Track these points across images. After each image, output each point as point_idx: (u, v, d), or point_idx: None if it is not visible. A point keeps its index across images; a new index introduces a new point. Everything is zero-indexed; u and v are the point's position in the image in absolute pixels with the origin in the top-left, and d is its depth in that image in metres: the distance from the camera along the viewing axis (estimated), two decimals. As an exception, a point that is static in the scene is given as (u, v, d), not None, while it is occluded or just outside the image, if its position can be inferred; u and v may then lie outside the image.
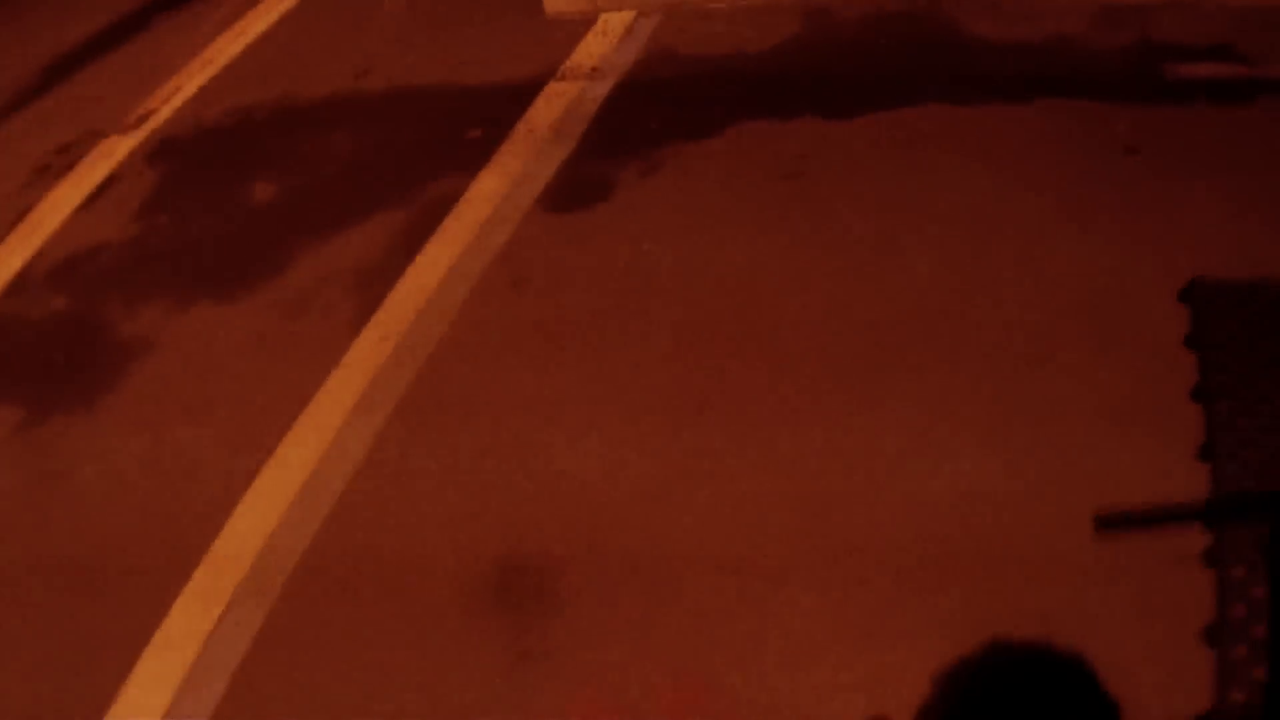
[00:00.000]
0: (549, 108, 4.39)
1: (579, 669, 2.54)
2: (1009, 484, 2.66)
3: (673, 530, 2.80)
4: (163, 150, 5.53)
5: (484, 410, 3.28)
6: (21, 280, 5.11)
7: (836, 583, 2.56)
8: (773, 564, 2.63)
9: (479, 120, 4.51)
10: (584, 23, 4.89)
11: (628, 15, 4.73)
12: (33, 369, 4.54)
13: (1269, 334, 2.85)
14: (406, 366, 3.47)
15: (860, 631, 2.45)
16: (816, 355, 3.13)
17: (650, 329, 3.38)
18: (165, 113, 5.87)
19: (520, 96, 4.54)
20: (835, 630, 2.48)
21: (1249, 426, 2.61)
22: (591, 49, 4.67)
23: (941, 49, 4.16)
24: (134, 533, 3.50)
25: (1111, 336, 3.01)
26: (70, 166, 5.87)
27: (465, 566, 2.87)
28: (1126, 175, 3.46)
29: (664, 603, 2.61)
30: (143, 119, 5.87)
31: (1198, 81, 3.84)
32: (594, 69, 4.48)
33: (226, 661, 2.96)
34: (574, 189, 3.97)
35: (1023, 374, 2.93)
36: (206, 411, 3.78)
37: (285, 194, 4.72)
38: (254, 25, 6.35)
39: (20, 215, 5.63)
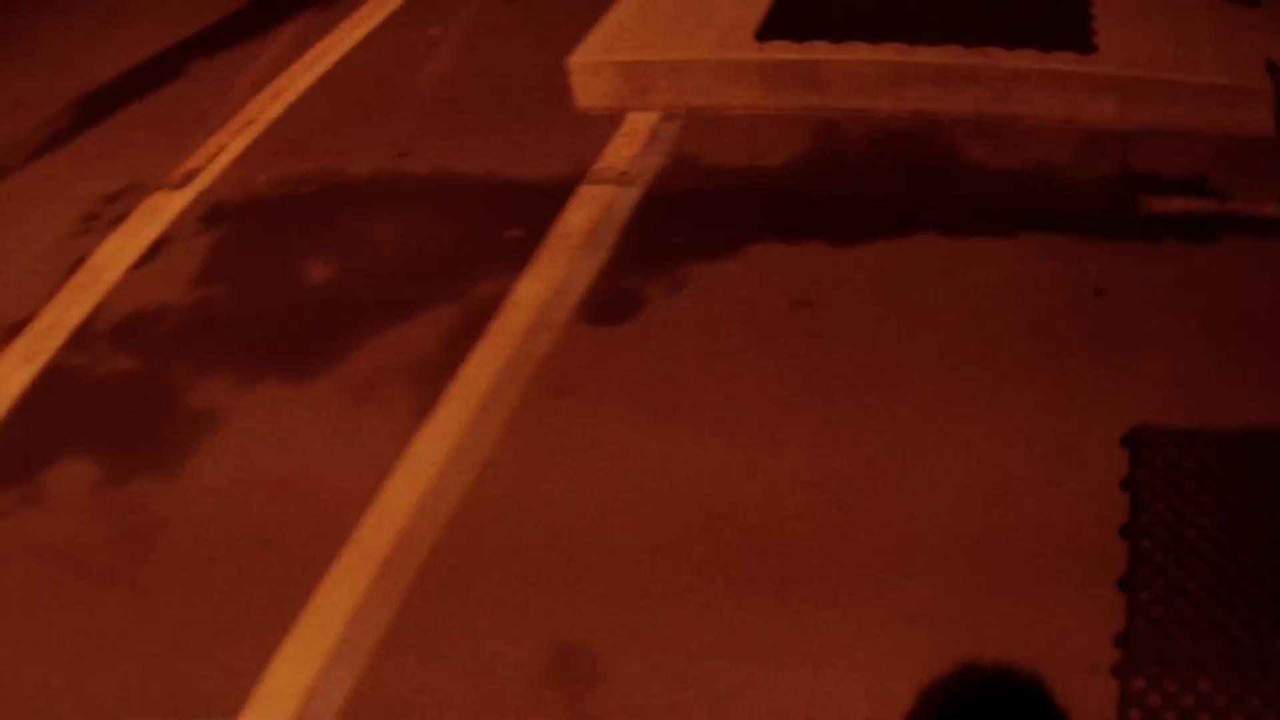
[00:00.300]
0: (582, 212, 4.89)
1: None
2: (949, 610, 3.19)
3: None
4: (213, 215, 6.01)
5: (538, 513, 3.79)
6: (83, 334, 5.58)
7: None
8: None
9: (517, 219, 5.00)
10: (612, 120, 5.38)
11: (653, 116, 5.24)
12: (105, 429, 5.02)
13: (1195, 480, 3.28)
14: (465, 468, 3.98)
15: None
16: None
17: (674, 450, 3.86)
18: (211, 172, 6.36)
19: (555, 197, 5.02)
20: None
21: (1164, 561, 3.09)
22: (620, 151, 5.17)
23: (937, 173, 4.63)
24: (223, 597, 4.02)
25: (1061, 472, 3.43)
26: (120, 219, 6.32)
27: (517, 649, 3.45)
28: (1093, 317, 3.91)
29: None
30: (189, 177, 6.33)
31: (1170, 217, 4.29)
32: (622, 173, 4.98)
33: None
34: (609, 302, 4.43)
35: (982, 504, 3.40)
36: (282, 487, 4.29)
37: (338, 277, 5.21)
38: (292, 85, 6.82)
39: (74, 265, 6.07)
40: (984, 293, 4.08)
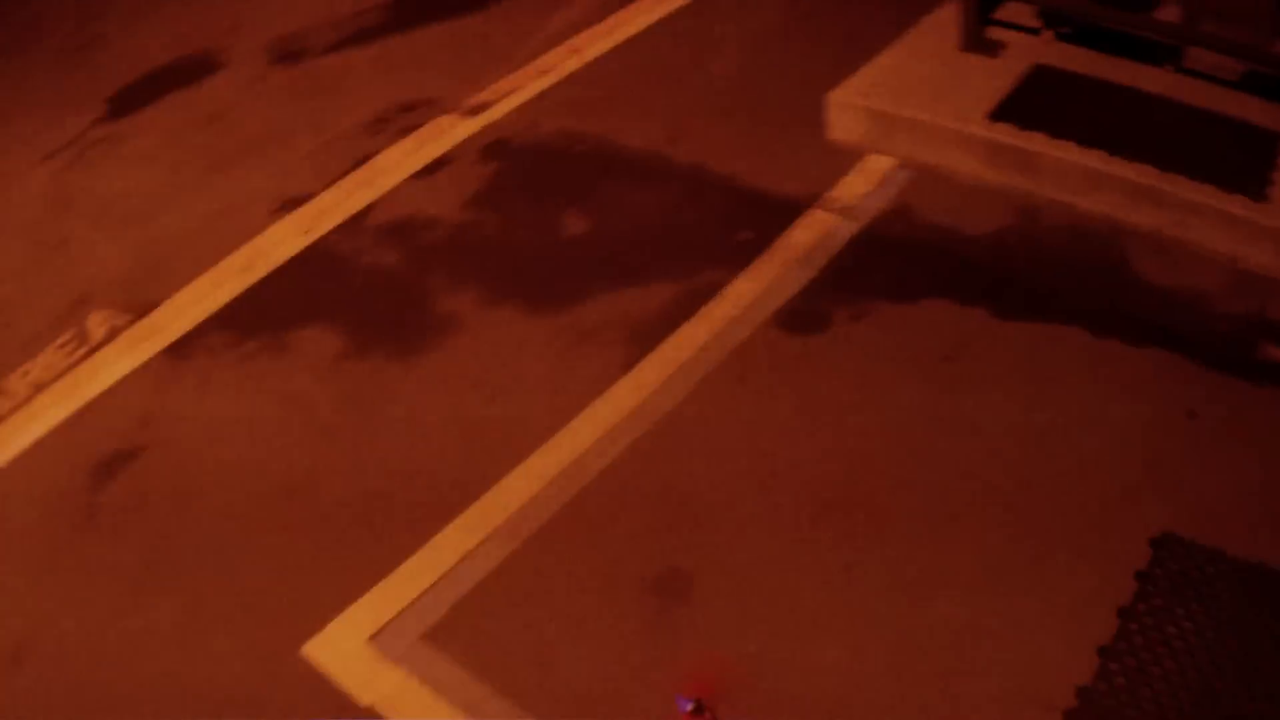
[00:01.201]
0: (806, 233, 5.80)
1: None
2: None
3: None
4: (495, 148, 7.04)
5: (686, 466, 4.84)
6: (356, 223, 6.72)
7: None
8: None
9: (751, 224, 5.95)
10: (853, 157, 6.26)
11: (888, 163, 6.12)
12: (357, 308, 6.14)
13: (1195, 591, 3.92)
14: (642, 421, 5.04)
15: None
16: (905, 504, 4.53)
17: (809, 442, 4.81)
18: (501, 109, 7.40)
19: (787, 213, 5.94)
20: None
21: (1141, 645, 3.79)
22: (852, 187, 6.05)
23: (1106, 275, 5.28)
24: (421, 470, 5.16)
25: (1092, 548, 4.15)
26: (409, 129, 7.45)
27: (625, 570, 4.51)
28: (1175, 432, 4.54)
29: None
30: (479, 109, 7.41)
31: (1280, 367, 4.78)
32: (849, 207, 5.87)
33: (467, 579, 4.57)
34: (802, 314, 5.35)
35: (1024, 553, 4.20)
36: (498, 394, 5.39)
37: (589, 232, 6.22)
38: (589, 47, 7.83)
39: (361, 159, 7.26)
40: (1096, 387, 4.79)
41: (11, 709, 4.69)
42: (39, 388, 6.27)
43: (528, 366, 5.55)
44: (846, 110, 6.32)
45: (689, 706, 3.94)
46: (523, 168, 6.96)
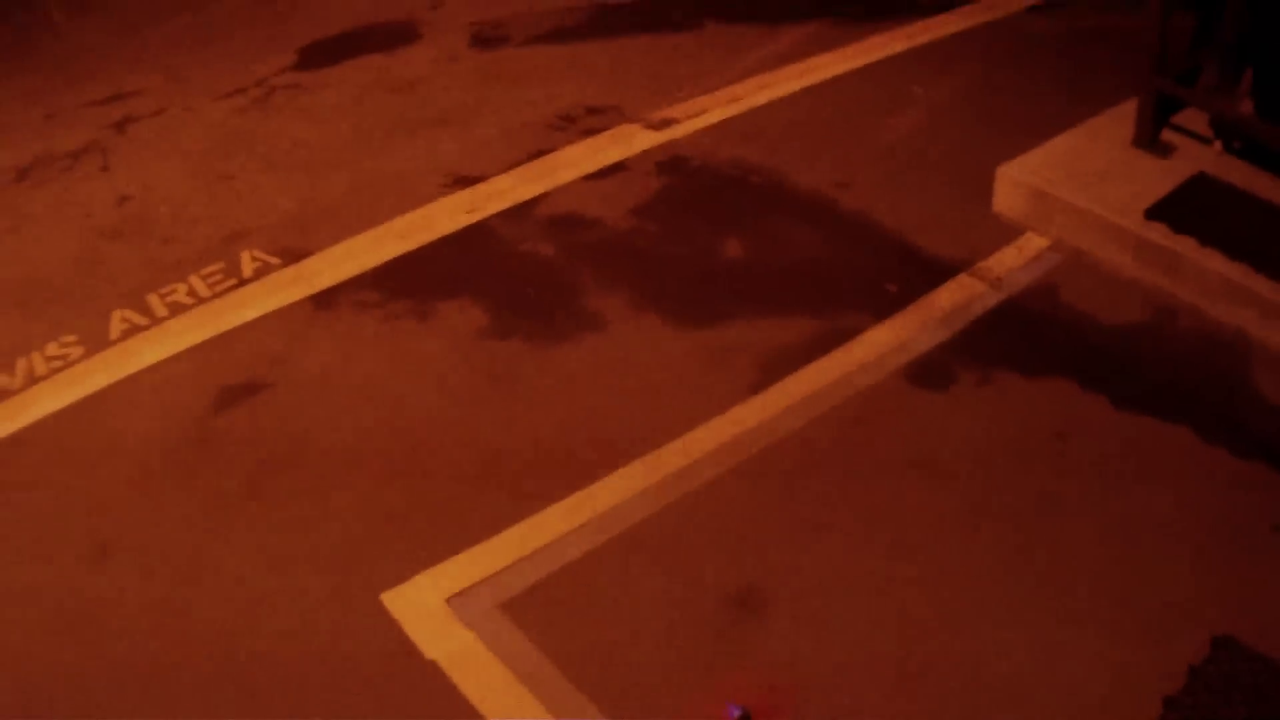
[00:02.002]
0: (950, 295, 6.27)
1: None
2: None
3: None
4: (671, 164, 7.64)
5: (787, 484, 5.33)
6: (523, 210, 7.39)
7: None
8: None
9: (899, 278, 6.44)
10: (1012, 230, 6.77)
11: (1043, 242, 6.63)
12: (506, 291, 6.73)
13: (1241, 694, 4.22)
14: (762, 439, 5.54)
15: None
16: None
17: (919, 507, 5.18)
18: (684, 129, 8.02)
19: (937, 274, 6.42)
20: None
21: None
22: (1005, 259, 6.53)
23: (1226, 386, 5.67)
24: (534, 450, 5.71)
25: (1157, 637, 4.47)
26: (592, 131, 8.13)
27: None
28: (1259, 544, 4.85)
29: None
30: (664, 124, 8.05)
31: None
32: (997, 279, 6.35)
33: (555, 560, 5.07)
34: (930, 371, 5.79)
35: (1093, 623, 4.56)
36: (623, 394, 5.94)
37: (745, 259, 6.77)
38: (779, 84, 8.45)
39: (539, 152, 7.96)
40: (1193, 486, 5.15)
41: (86, 602, 5.28)
42: (179, 310, 7.03)
43: (658, 375, 6.10)
44: (1013, 185, 6.87)
45: (737, 713, 4.40)
46: (693, 187, 7.56)
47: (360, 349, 6.55)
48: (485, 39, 10.11)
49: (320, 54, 10.50)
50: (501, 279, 6.93)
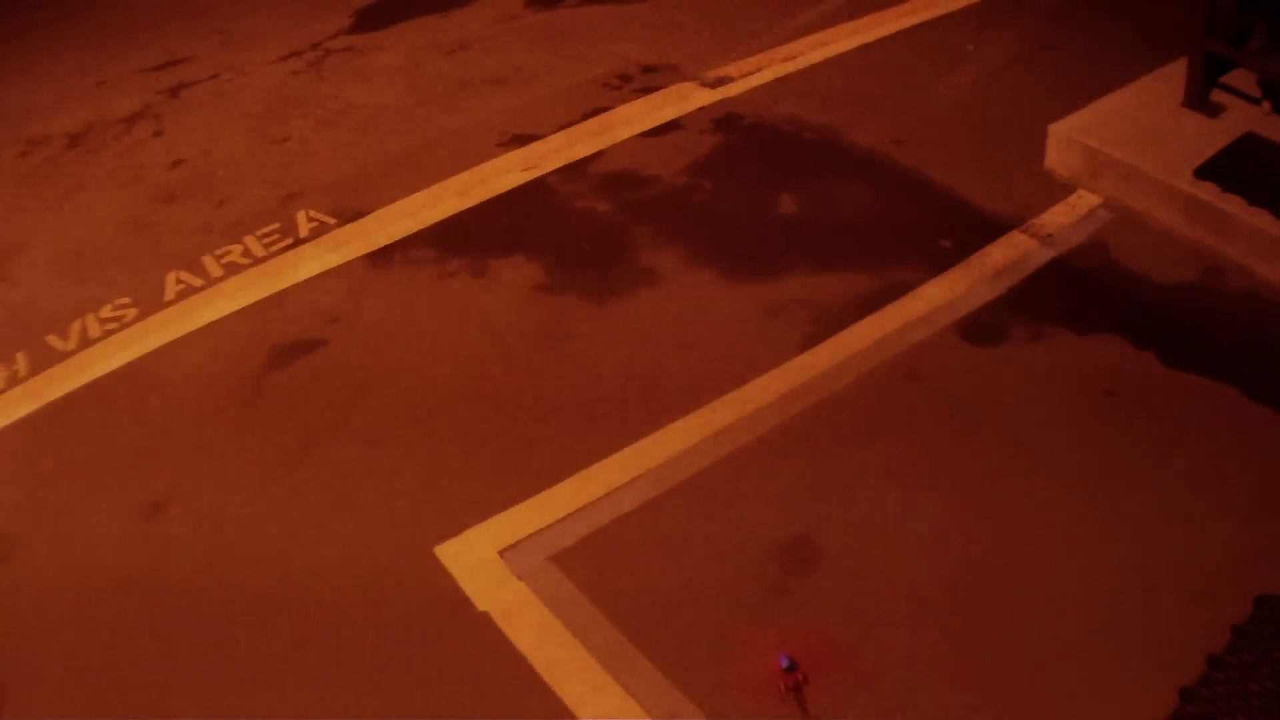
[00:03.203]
0: (1003, 252, 6.44)
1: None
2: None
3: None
4: (726, 121, 7.83)
5: (852, 444, 5.44)
6: (579, 167, 7.59)
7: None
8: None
9: (952, 234, 6.63)
10: (1064, 188, 6.93)
11: (1094, 199, 6.80)
12: (562, 247, 6.96)
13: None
14: (814, 393, 5.73)
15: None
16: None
17: (973, 456, 5.30)
18: (739, 87, 8.20)
19: (989, 231, 6.61)
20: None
21: (1222, 694, 4.18)
22: (1056, 216, 6.69)
23: (1274, 341, 5.76)
24: (589, 404, 5.90)
25: (1203, 592, 4.57)
26: (647, 90, 8.34)
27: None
28: None
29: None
30: (719, 82, 8.25)
31: None
32: (1049, 235, 6.52)
33: (608, 513, 5.26)
34: (982, 327, 5.93)
35: (1136, 583, 4.65)
36: (677, 348, 6.12)
37: (799, 215, 6.97)
38: (834, 42, 8.64)
39: (595, 110, 8.19)
40: (1239, 445, 5.26)
41: (139, 556, 5.54)
42: (234, 270, 7.30)
43: (713, 329, 6.29)
44: (1064, 143, 7.05)
45: (785, 663, 4.58)
46: (748, 145, 7.76)
47: (416, 305, 6.78)
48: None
49: (374, 16, 10.76)
50: (557, 235, 7.14)
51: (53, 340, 7.08)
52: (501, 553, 5.16)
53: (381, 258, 7.21)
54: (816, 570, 4.93)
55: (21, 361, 6.97)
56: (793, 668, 4.56)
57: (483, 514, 5.34)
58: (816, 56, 8.65)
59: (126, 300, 7.27)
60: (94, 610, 5.26)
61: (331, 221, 7.66)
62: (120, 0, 12.16)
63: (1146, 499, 5.07)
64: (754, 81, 8.42)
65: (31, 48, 11.62)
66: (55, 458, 6.18)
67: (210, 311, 6.99)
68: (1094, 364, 5.81)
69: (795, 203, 7.13)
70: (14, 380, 6.85)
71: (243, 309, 6.95)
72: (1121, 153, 6.81)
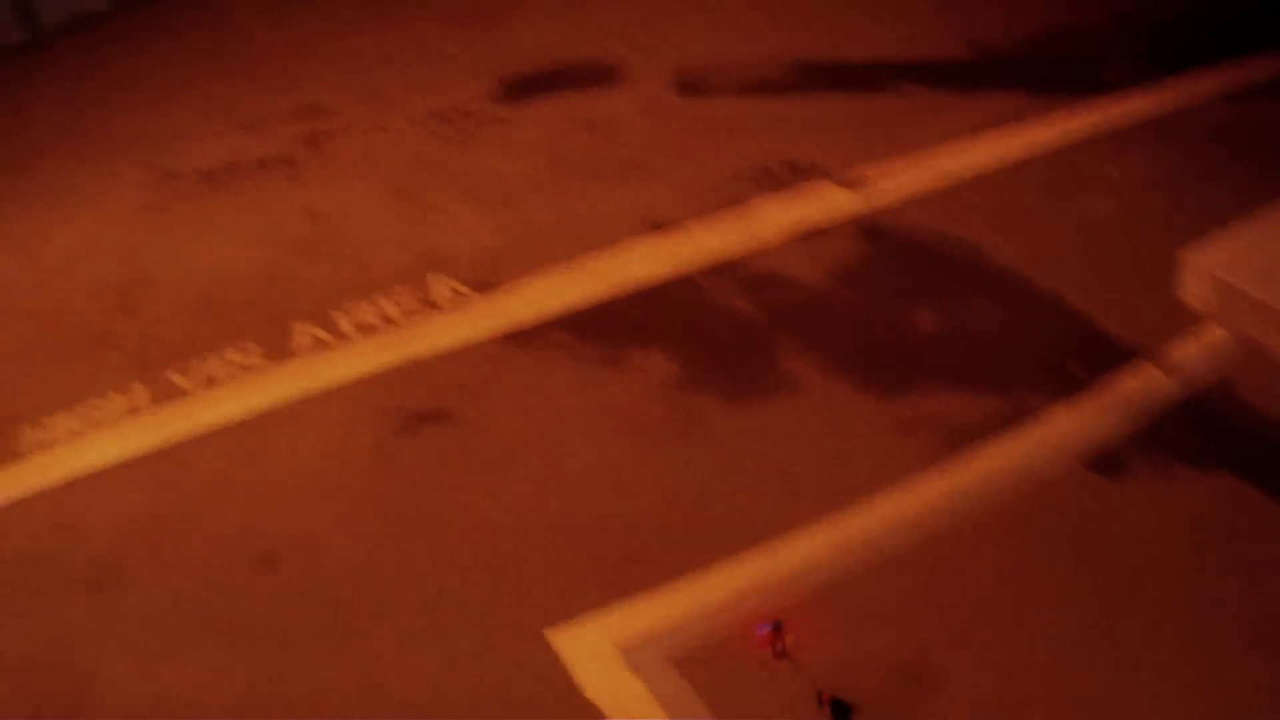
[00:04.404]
0: (1130, 382, 6.38)
1: None
2: None
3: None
4: (869, 228, 8.01)
5: (969, 577, 5.50)
6: (720, 263, 7.81)
7: None
8: None
9: (1082, 358, 6.74)
10: (1195, 320, 6.96)
11: (1226, 334, 6.83)
12: (700, 344, 7.13)
13: None
14: (940, 513, 5.81)
15: None
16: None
17: (1089, 591, 5.38)
18: (882, 193, 8.36)
19: (1117, 356, 6.63)
20: None
21: None
22: (1185, 348, 6.75)
23: None
24: (720, 504, 6.05)
25: None
26: (789, 188, 8.52)
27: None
28: None
29: None
30: (862, 186, 8.42)
31: None
32: (1177, 367, 6.59)
33: (732, 619, 5.38)
34: (1106, 459, 5.96)
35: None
36: (810, 457, 6.25)
37: (937, 329, 7.13)
38: (981, 152, 8.79)
39: (737, 204, 8.42)
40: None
41: (245, 604, 5.78)
42: (365, 329, 7.59)
43: (845, 440, 6.44)
44: (1197, 274, 7.07)
45: (768, 628, 4.88)
46: (888, 253, 7.94)
47: (548, 389, 7.00)
48: (687, 86, 10.63)
49: (521, 87, 11.10)
50: (695, 330, 7.34)
51: (174, 376, 7.44)
52: (615, 644, 5.29)
53: (517, 335, 7.41)
54: (935, 692, 5.01)
55: (140, 393, 7.34)
56: (778, 628, 4.98)
57: (600, 603, 5.47)
58: (959, 167, 8.75)
59: (253, 346, 7.62)
60: (192, 651, 5.57)
61: (467, 292, 7.92)
62: (263, 42, 12.71)
63: (1257, 651, 5.07)
64: (897, 189, 8.55)
65: (170, 78, 12.18)
66: (169, 495, 6.47)
67: (338, 369, 7.28)
68: (1215, 505, 5.76)
69: (931, 316, 7.29)
70: (132, 411, 7.22)
71: (372, 370, 7.24)
72: (1253, 287, 6.82)
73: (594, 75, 11.16)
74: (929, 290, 7.60)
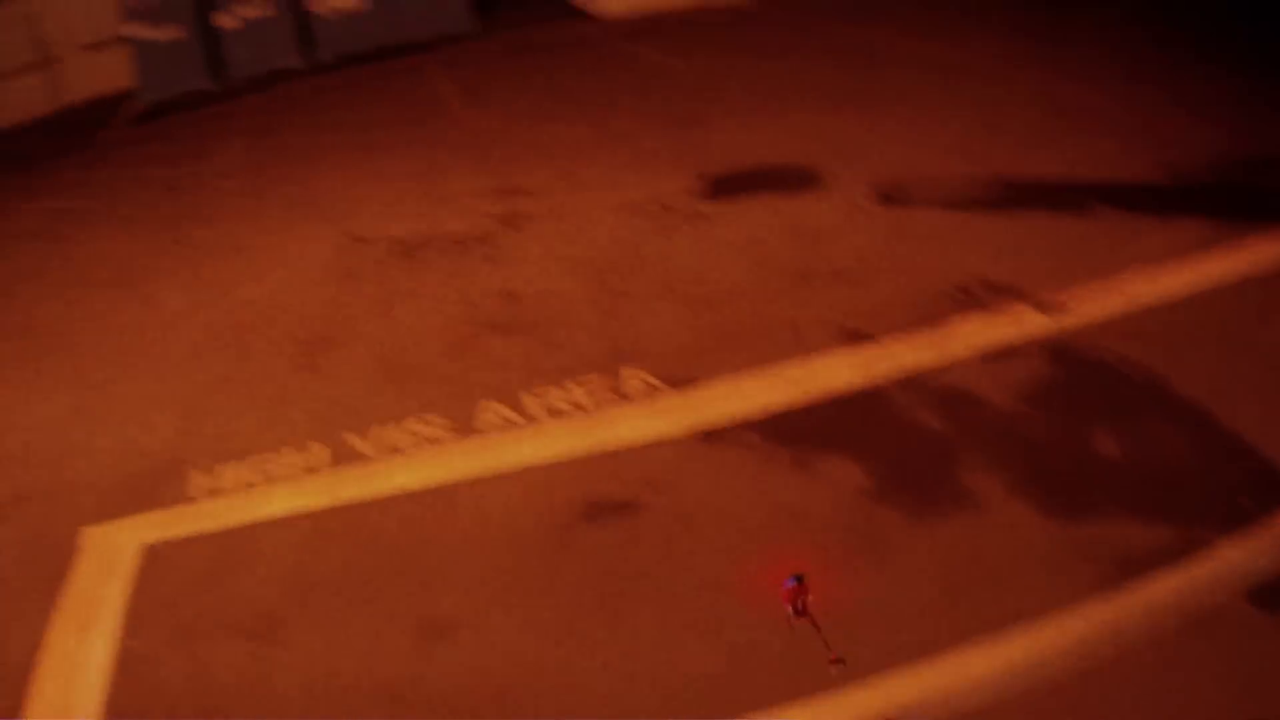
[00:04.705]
0: None
1: None
2: None
3: None
4: (1062, 352, 8.07)
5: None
6: (912, 377, 7.95)
7: None
8: None
9: (1252, 491, 6.83)
10: None
11: None
12: (888, 456, 7.24)
13: None
14: (1107, 641, 5.92)
15: None
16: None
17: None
18: (1076, 317, 8.43)
19: None
20: None
21: None
22: None
23: None
24: (912, 608, 6.14)
25: None
26: (985, 306, 8.62)
27: None
28: None
29: None
30: (1055, 309, 8.52)
31: None
32: None
33: None
34: (1273, 595, 6.13)
35: None
36: (994, 574, 6.17)
37: (1119, 456, 7.14)
38: (1174, 280, 8.88)
39: (927, 316, 8.57)
40: None
41: (409, 672, 5.90)
42: (554, 414, 7.80)
43: (1018, 561, 6.51)
44: None
45: (792, 582, 4.94)
46: (1076, 377, 8.03)
47: (735, 489, 7.11)
48: (888, 196, 10.88)
49: (722, 183, 11.47)
50: (884, 442, 7.45)
51: (353, 440, 7.71)
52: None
53: (707, 434, 7.54)
54: None
55: (318, 452, 7.64)
56: (800, 580, 5.12)
57: (778, 703, 5.54)
58: (1149, 293, 8.88)
59: (437, 418, 7.87)
60: (346, 715, 5.73)
61: (660, 386, 8.11)
62: (464, 120, 13.25)
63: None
64: (1090, 313, 8.69)
65: (365, 144, 12.72)
66: (338, 554, 6.69)
67: (524, 450, 7.46)
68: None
69: (1112, 441, 7.39)
70: (308, 469, 7.52)
71: (560, 455, 7.41)
72: None
73: (795, 179, 11.48)
74: (1112, 415, 7.68)
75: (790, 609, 5.30)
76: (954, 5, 18.48)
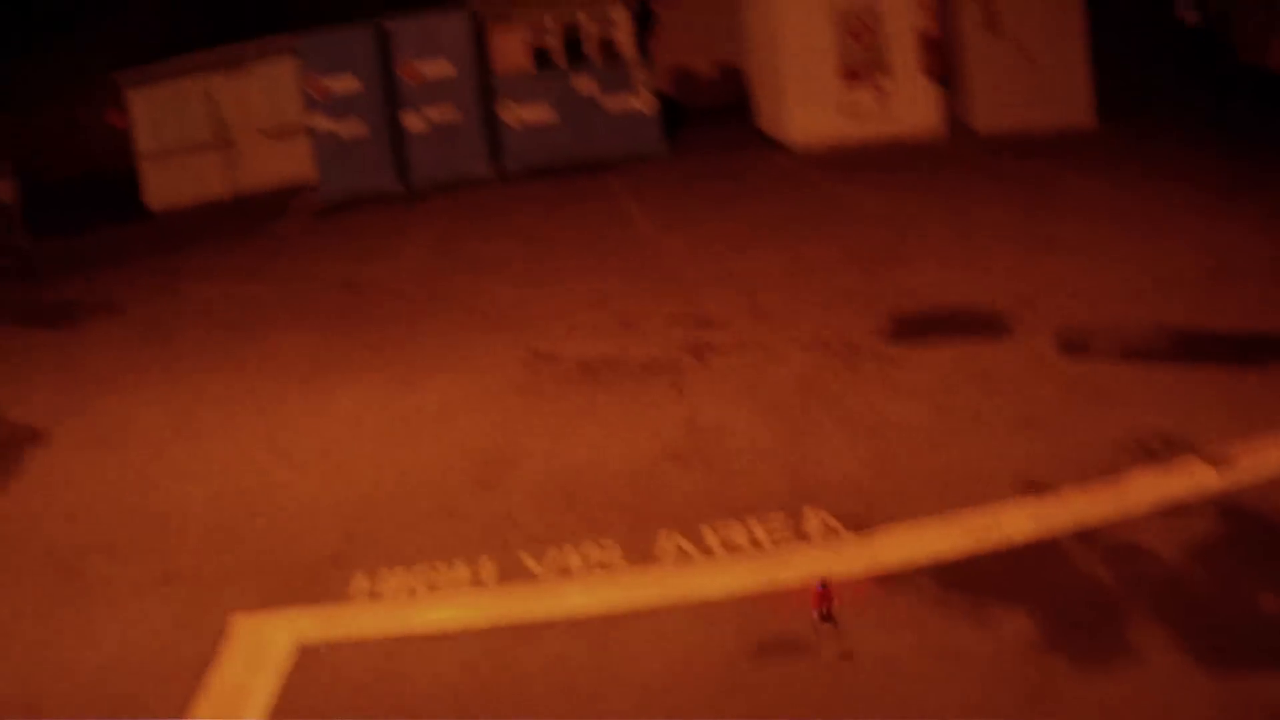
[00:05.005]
0: None
1: None
2: None
3: None
4: (1233, 509, 8.11)
5: None
6: (1087, 531, 8.04)
7: None
8: None
9: None
10: None
11: None
12: (1057, 608, 7.30)
13: None
14: None
15: None
16: None
17: None
18: (1248, 473, 8.52)
19: None
20: None
21: None
22: None
23: None
24: None
25: None
26: (1161, 460, 8.75)
27: None
28: None
29: None
30: (1229, 465, 8.56)
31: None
32: None
33: None
34: None
35: None
36: None
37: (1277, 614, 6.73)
38: None
39: (1104, 470, 8.66)
40: None
41: None
42: (731, 549, 7.91)
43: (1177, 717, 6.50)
44: None
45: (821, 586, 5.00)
46: (1246, 534, 8.05)
47: (908, 636, 7.19)
48: (1071, 345, 11.01)
49: (910, 326, 11.67)
50: (1057, 595, 7.52)
51: (526, 558, 7.84)
52: None
53: (884, 579, 7.63)
54: None
55: (487, 567, 7.77)
56: (824, 585, 5.22)
57: None
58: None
59: (613, 544, 8.01)
60: None
61: (839, 527, 8.22)
62: (652, 242, 13.72)
63: None
64: (1262, 469, 8.69)
65: (550, 258, 13.24)
66: (500, 672, 6.83)
67: (699, 583, 7.57)
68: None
69: (1275, 601, 7.39)
70: (476, 582, 7.66)
71: (737, 591, 7.52)
72: None
73: (982, 324, 11.66)
74: (1277, 574, 7.61)
75: (816, 614, 5.53)
76: (1101, 145, 19.35)
